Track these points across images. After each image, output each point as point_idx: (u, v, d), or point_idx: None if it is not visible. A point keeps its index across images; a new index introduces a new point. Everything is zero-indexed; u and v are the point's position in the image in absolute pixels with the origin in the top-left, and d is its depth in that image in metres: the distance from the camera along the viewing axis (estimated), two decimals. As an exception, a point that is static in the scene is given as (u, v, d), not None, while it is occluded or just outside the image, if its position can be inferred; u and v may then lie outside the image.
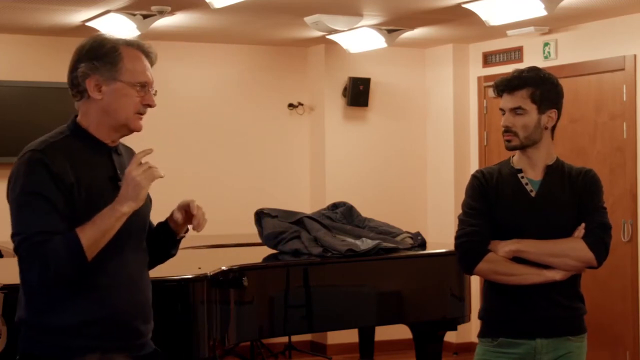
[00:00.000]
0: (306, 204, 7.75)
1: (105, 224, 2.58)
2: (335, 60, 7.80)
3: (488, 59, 7.69)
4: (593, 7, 6.15)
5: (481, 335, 3.35)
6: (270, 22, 6.73)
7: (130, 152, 2.86)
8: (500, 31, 6.96)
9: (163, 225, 2.90)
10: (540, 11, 5.75)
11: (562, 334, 3.27)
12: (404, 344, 6.99)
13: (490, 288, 3.32)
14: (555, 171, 3.31)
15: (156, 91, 2.76)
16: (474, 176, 3.33)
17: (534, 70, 3.29)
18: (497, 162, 3.43)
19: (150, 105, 2.74)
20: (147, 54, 2.76)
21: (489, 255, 3.23)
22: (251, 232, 5.28)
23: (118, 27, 6.22)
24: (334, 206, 5.32)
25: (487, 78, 7.61)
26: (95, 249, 2.58)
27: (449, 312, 5.05)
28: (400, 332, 5.83)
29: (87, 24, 6.48)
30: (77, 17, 6.39)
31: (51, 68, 7.07)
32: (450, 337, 6.72)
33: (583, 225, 3.24)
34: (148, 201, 2.76)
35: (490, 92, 7.33)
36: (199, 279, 4.03)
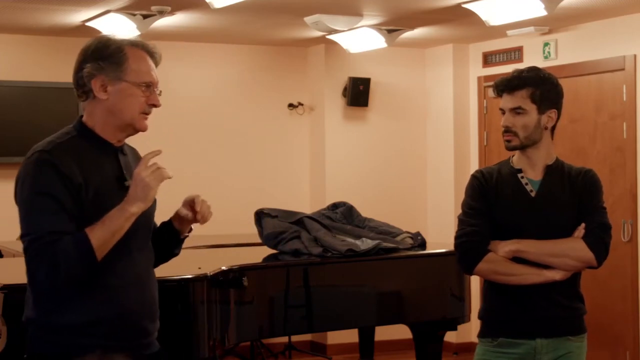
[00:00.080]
0: (306, 204, 7.75)
1: (115, 224, 2.60)
2: (335, 60, 7.80)
3: (488, 59, 7.69)
4: (593, 7, 6.15)
5: (481, 335, 3.35)
6: (270, 22, 6.73)
7: (135, 152, 2.89)
8: (500, 31, 6.96)
9: (167, 224, 2.93)
10: (540, 11, 5.75)
11: (562, 334, 3.27)
12: (404, 344, 6.99)
13: (490, 288, 3.32)
14: (555, 171, 3.31)
15: (161, 91, 2.79)
16: (473, 176, 3.33)
17: (533, 70, 3.29)
18: (496, 162, 3.43)
19: (155, 105, 2.77)
20: (152, 54, 2.78)
21: (488, 256, 3.23)
22: (251, 232, 5.28)
23: (118, 27, 6.22)
24: (334, 206, 5.32)
25: (487, 78, 7.62)
26: (104, 249, 2.60)
27: (449, 312, 5.05)
28: (400, 332, 5.83)
29: (87, 24, 6.48)
30: (77, 17, 6.39)
31: (51, 68, 7.08)
32: (450, 337, 6.72)
33: (583, 225, 3.24)
34: (153, 201, 2.77)
35: (490, 92, 7.33)
36: (199, 279, 4.03)
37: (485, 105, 7.72)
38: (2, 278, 3.78)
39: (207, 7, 5.72)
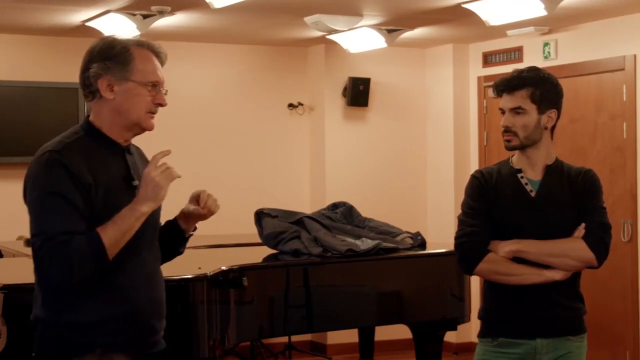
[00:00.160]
0: (306, 204, 7.76)
1: (126, 224, 2.63)
2: (335, 60, 7.80)
3: (488, 59, 7.69)
4: (593, 7, 6.15)
5: (481, 335, 3.35)
6: (270, 22, 6.73)
7: (140, 152, 2.93)
8: (500, 31, 6.96)
9: (172, 223, 2.96)
10: (540, 11, 5.75)
11: (562, 334, 3.27)
12: (404, 344, 6.99)
13: (490, 288, 3.32)
14: (555, 171, 3.30)
15: (167, 90, 2.81)
16: (473, 176, 3.33)
17: (533, 70, 3.29)
18: (496, 162, 3.43)
19: (161, 104, 2.80)
20: (157, 54, 2.81)
21: (489, 256, 3.23)
22: (251, 232, 5.28)
23: (118, 27, 6.22)
24: (334, 206, 5.32)
25: (487, 78, 7.62)
26: (115, 248, 2.62)
27: (449, 312, 5.05)
28: (400, 332, 5.83)
29: (87, 24, 6.48)
30: (77, 17, 6.39)
31: (51, 68, 7.08)
32: (450, 337, 6.73)
33: (583, 225, 3.24)
34: None
35: (490, 92, 7.33)
36: (199, 279, 4.03)
37: (485, 105, 7.72)
38: (2, 278, 3.78)
39: (207, 7, 5.72)
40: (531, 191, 3.27)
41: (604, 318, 6.57)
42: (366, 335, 5.94)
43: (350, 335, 6.52)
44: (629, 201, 6.53)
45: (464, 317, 5.08)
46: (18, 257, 5.19)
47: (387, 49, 7.28)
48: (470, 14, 6.08)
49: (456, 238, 3.30)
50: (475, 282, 5.82)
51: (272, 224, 4.93)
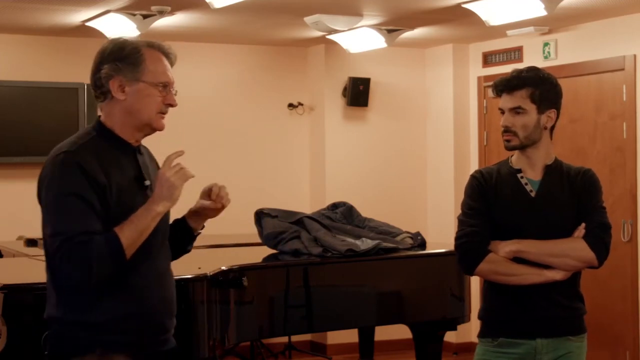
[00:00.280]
0: (306, 204, 7.75)
1: (142, 223, 2.66)
2: (335, 60, 7.80)
3: (488, 59, 7.69)
4: (593, 7, 6.15)
5: (481, 335, 3.35)
6: (270, 22, 6.73)
7: (149, 152, 2.96)
8: (500, 31, 6.96)
9: (180, 222, 2.99)
10: (540, 11, 5.75)
11: (562, 334, 3.27)
12: (404, 344, 6.99)
13: (491, 288, 3.32)
14: (555, 171, 3.31)
15: (177, 91, 2.83)
16: (472, 176, 3.33)
17: (533, 70, 3.29)
18: (496, 162, 3.43)
19: (172, 105, 2.87)
20: (167, 55, 2.90)
21: (489, 256, 3.23)
22: (251, 232, 5.28)
23: (118, 27, 6.22)
24: (334, 206, 5.32)
25: (487, 78, 7.62)
26: (132, 248, 2.65)
27: (449, 312, 5.05)
28: (400, 332, 5.83)
29: (87, 24, 6.48)
30: (77, 17, 6.39)
31: (51, 68, 7.07)
32: (450, 337, 6.73)
33: (583, 225, 3.24)
34: None
35: (490, 92, 7.33)
36: (199, 279, 4.03)
37: (485, 105, 7.72)
38: (2, 278, 3.78)
39: (207, 7, 5.72)
40: (531, 191, 3.27)
41: (604, 318, 6.57)
42: (366, 335, 5.95)
43: (350, 335, 6.52)
44: (629, 201, 6.53)
45: (464, 317, 5.08)
46: (18, 257, 5.19)
47: (387, 49, 7.28)
48: (470, 14, 6.08)
49: (456, 238, 3.30)
50: (475, 282, 5.82)
51: (272, 224, 4.93)
